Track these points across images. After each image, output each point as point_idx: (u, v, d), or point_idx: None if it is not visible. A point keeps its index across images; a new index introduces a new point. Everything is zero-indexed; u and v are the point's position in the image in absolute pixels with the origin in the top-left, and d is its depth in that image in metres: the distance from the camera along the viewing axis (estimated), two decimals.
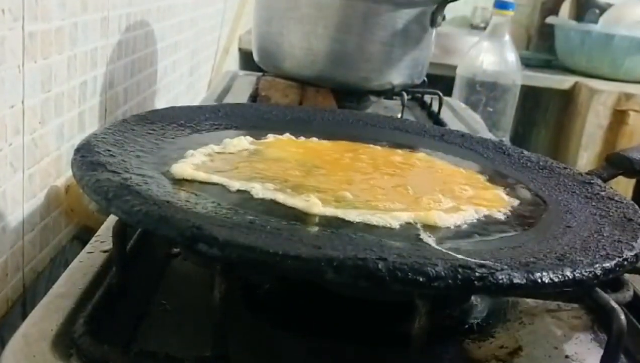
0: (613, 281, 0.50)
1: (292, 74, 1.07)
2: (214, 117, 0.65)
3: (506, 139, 1.53)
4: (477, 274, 0.36)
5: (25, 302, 0.66)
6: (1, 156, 0.59)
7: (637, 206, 0.51)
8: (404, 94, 1.07)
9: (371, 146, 0.65)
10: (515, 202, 0.54)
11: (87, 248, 0.52)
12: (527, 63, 2.03)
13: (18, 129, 0.62)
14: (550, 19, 2.33)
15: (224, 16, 1.59)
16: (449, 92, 1.62)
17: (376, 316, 0.45)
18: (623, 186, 1.77)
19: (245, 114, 0.68)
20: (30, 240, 0.67)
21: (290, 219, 0.44)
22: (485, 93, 1.70)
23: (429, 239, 0.43)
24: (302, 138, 0.64)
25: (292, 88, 1.06)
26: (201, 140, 0.57)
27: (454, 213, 0.48)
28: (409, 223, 0.45)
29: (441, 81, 1.38)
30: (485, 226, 0.48)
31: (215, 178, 0.48)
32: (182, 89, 1.29)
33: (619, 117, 1.98)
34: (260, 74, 1.17)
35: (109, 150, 0.48)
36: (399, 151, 0.64)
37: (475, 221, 0.48)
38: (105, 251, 0.51)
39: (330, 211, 0.45)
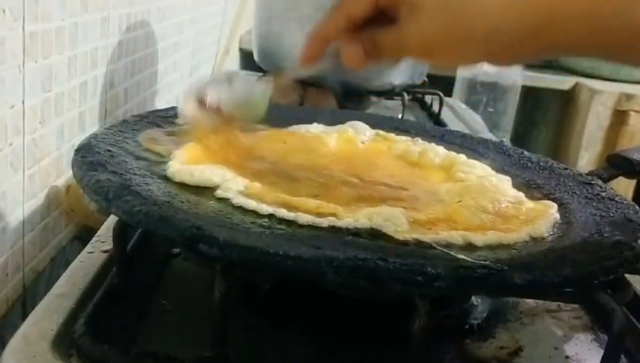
0: (613, 281, 0.50)
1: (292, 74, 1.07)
2: None
3: (506, 140, 1.52)
4: (477, 274, 0.36)
5: (25, 302, 0.65)
6: (1, 156, 0.59)
7: (637, 207, 0.51)
8: (405, 94, 1.07)
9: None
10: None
11: (88, 248, 0.52)
12: (527, 63, 2.03)
13: (18, 129, 0.61)
14: None
15: (224, 16, 1.59)
16: (449, 93, 1.62)
17: (376, 316, 0.45)
18: (623, 186, 1.77)
19: None
20: (31, 239, 0.67)
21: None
22: (486, 93, 1.70)
23: (428, 239, 0.43)
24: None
25: (292, 88, 1.06)
26: None
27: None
28: (407, 224, 0.45)
29: (442, 81, 1.38)
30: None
31: (216, 178, 0.48)
32: (182, 89, 1.28)
33: (619, 117, 1.98)
34: (261, 74, 1.17)
35: (109, 150, 0.48)
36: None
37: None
38: (105, 251, 0.51)
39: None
